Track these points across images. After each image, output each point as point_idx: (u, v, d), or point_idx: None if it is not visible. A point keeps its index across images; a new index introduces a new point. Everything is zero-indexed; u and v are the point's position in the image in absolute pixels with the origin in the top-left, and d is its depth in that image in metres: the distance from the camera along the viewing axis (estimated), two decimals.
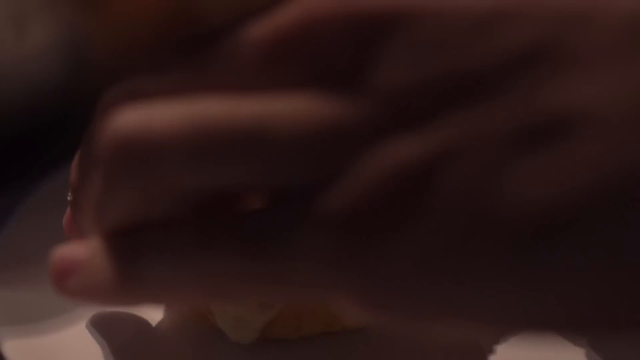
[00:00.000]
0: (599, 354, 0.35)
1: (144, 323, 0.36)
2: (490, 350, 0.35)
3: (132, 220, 0.26)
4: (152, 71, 0.27)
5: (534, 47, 0.23)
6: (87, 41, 0.45)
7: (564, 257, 0.22)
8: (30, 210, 0.39)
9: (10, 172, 0.43)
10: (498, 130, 0.22)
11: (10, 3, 0.40)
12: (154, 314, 0.37)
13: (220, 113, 0.24)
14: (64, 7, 0.42)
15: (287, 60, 0.25)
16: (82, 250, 0.27)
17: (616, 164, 0.22)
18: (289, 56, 0.25)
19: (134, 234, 0.26)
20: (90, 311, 0.36)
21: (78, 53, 0.43)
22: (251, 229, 0.24)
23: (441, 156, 0.23)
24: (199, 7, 0.42)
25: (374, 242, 0.23)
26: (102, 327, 0.36)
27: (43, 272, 0.37)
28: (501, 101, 0.23)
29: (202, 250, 0.25)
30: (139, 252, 0.26)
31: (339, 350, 0.36)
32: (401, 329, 0.36)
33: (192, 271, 0.25)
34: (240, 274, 0.24)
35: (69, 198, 0.31)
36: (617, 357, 0.35)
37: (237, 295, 0.25)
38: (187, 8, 0.42)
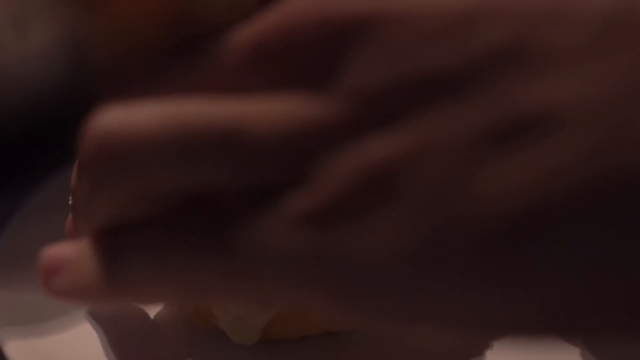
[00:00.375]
0: (593, 353, 0.35)
1: (146, 324, 0.36)
2: (487, 348, 0.35)
3: (117, 219, 0.26)
4: (140, 74, 0.28)
5: (506, 47, 0.23)
6: (88, 42, 0.45)
7: (537, 258, 0.22)
8: (32, 211, 0.39)
9: (11, 172, 0.43)
10: (471, 129, 0.23)
11: (12, 3, 0.40)
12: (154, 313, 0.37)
13: (198, 114, 0.25)
14: (65, 8, 0.42)
15: (267, 64, 0.25)
16: (69, 250, 0.27)
17: (591, 163, 0.22)
18: (268, 60, 0.25)
19: (117, 233, 0.26)
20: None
21: (79, 53, 0.44)
22: (225, 228, 0.25)
23: (413, 155, 0.23)
24: (199, 9, 0.42)
25: (344, 241, 0.23)
26: (102, 329, 0.36)
27: None
28: (474, 100, 0.23)
29: (177, 248, 0.25)
30: (120, 252, 0.26)
31: (341, 350, 0.36)
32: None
33: (170, 269, 0.25)
34: (212, 272, 0.25)
35: (70, 202, 0.31)
36: (612, 356, 0.35)
37: (214, 294, 0.25)
38: (187, 9, 0.43)
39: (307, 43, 0.25)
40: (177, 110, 0.25)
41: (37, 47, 0.42)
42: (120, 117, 0.25)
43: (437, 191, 0.23)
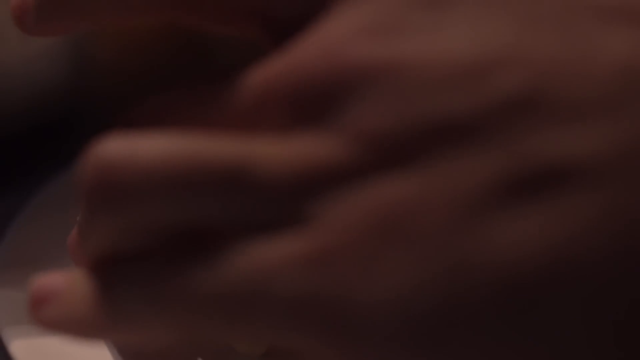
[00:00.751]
0: None
1: None
2: None
3: (112, 250, 0.26)
4: (149, 104, 0.28)
5: (521, 97, 0.22)
6: (90, 41, 0.45)
7: (548, 325, 0.21)
8: (36, 211, 0.39)
9: (15, 172, 0.43)
10: (483, 178, 0.22)
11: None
12: None
13: (204, 150, 0.24)
14: None
15: (275, 106, 0.25)
16: (60, 280, 0.27)
17: (610, 224, 0.21)
18: (276, 103, 0.25)
19: (111, 265, 0.26)
20: None
21: (82, 53, 0.44)
22: (222, 265, 0.24)
23: (422, 200, 0.22)
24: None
25: (346, 287, 0.23)
26: None
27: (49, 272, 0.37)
28: (487, 149, 0.22)
29: (171, 284, 0.25)
30: (114, 284, 0.25)
31: None
32: None
33: (163, 305, 0.25)
34: (207, 310, 0.24)
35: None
36: None
37: (209, 332, 0.25)
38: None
39: (316, 87, 0.24)
40: (182, 145, 0.25)
41: (39, 47, 0.42)
42: (123, 148, 0.25)
43: (445, 240, 0.22)
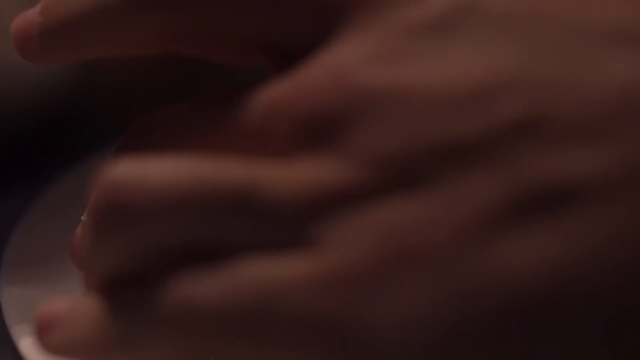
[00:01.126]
0: None
1: None
2: None
3: (119, 272, 0.26)
4: (160, 122, 0.28)
5: (525, 119, 0.23)
6: None
7: (552, 348, 0.22)
8: (43, 209, 0.39)
9: (21, 170, 0.43)
10: (491, 198, 0.22)
11: (18, 2, 0.40)
12: None
13: (214, 173, 0.25)
14: None
15: (282, 128, 0.25)
16: (64, 305, 0.27)
17: (617, 245, 0.21)
18: (284, 124, 0.25)
19: (117, 287, 0.26)
20: None
21: None
22: (229, 287, 0.24)
23: (430, 221, 0.23)
24: None
25: (357, 308, 0.23)
26: None
27: (57, 271, 0.37)
28: (494, 170, 0.23)
29: (178, 304, 0.25)
30: (119, 306, 0.25)
31: None
32: None
33: (170, 326, 0.25)
34: (215, 330, 0.24)
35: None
36: None
37: (219, 354, 0.24)
38: None
39: (324, 111, 0.25)
40: (191, 168, 0.25)
41: None
42: (133, 170, 0.25)
43: (453, 264, 0.22)
